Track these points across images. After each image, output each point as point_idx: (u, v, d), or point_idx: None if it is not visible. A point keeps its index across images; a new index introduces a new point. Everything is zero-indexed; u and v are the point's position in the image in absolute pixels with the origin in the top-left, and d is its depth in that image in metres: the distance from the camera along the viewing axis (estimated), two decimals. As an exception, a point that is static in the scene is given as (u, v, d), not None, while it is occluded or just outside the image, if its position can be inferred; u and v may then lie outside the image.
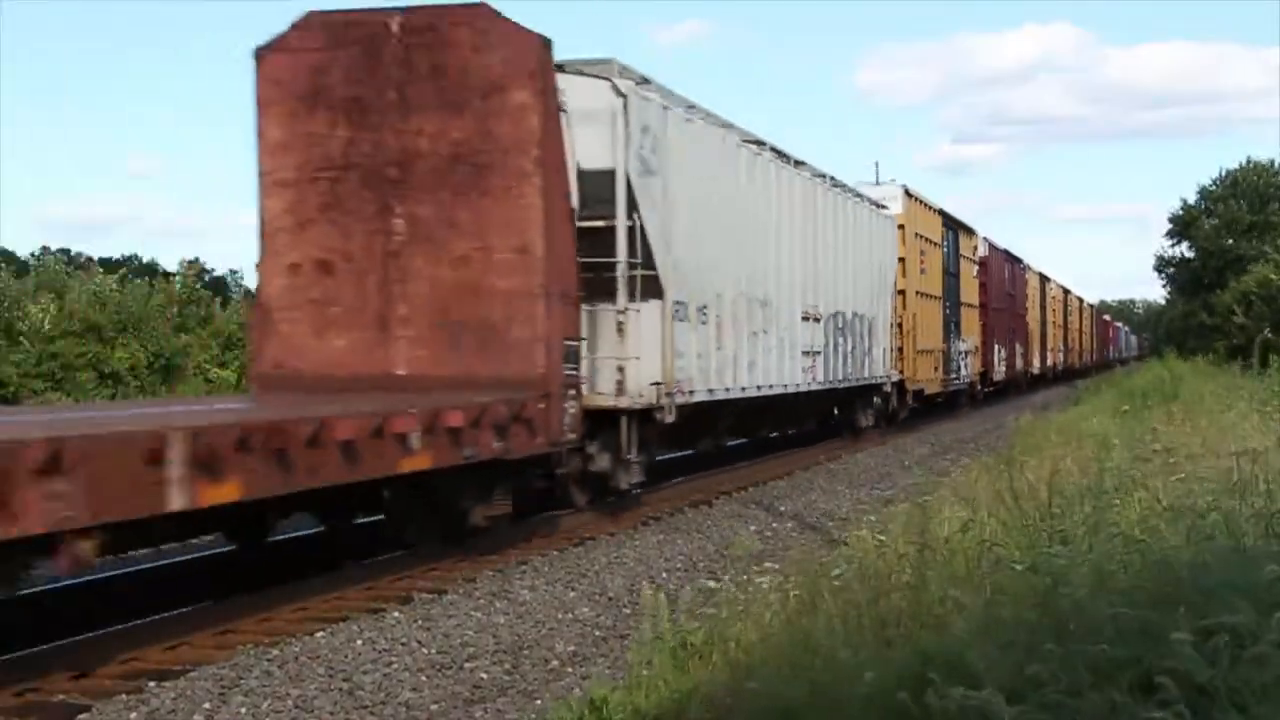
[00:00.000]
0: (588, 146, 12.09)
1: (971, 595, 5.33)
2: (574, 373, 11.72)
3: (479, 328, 11.24)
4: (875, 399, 24.24)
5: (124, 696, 6.79)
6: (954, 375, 31.29)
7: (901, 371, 25.60)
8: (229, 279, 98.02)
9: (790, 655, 5.18)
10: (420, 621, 8.55)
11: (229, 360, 30.58)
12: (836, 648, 4.95)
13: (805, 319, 18.53)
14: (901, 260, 25.56)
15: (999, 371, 39.14)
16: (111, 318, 27.76)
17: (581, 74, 12.24)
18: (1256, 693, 3.79)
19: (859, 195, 22.77)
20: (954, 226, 31.74)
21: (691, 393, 14.10)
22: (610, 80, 12.41)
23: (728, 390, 15.41)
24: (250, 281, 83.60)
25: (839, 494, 16.12)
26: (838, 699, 4.37)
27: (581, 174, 12.03)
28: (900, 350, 25.48)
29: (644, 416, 13.15)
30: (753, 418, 17.93)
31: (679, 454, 16.94)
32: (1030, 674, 3.92)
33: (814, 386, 19.18)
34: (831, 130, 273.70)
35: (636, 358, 12.75)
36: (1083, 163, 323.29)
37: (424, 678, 7.39)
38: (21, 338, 25.79)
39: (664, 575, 10.54)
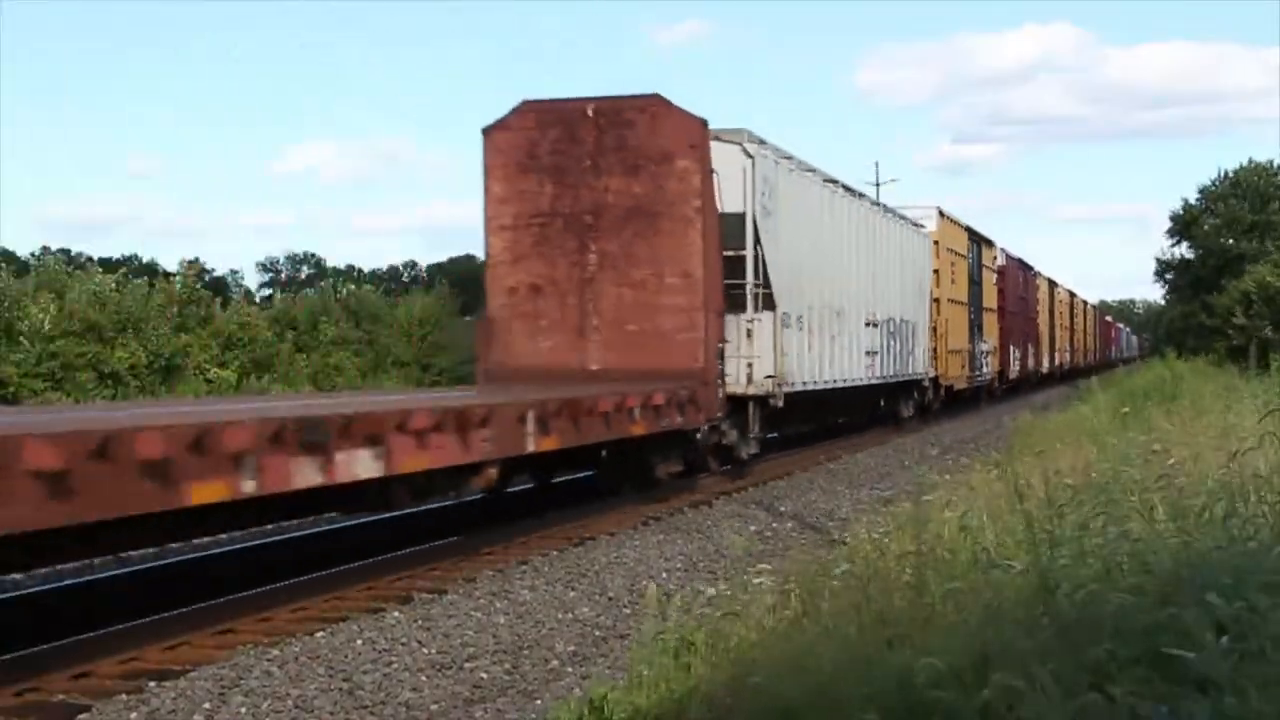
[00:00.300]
0: (725, 195, 15.95)
1: (971, 596, 5.32)
2: (721, 367, 15.61)
3: (654, 334, 15.12)
4: (915, 393, 28.17)
5: (124, 696, 6.90)
6: (977, 373, 35.16)
7: (935, 369, 29.50)
8: (229, 279, 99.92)
9: (790, 655, 5.14)
10: (420, 621, 8.72)
11: (229, 360, 30.90)
12: (836, 648, 4.94)
13: (867, 325, 22.41)
14: (936, 272, 29.48)
15: (1014, 370, 42.97)
16: (111, 318, 27.71)
17: (719, 140, 16.05)
18: (1259, 687, 3.80)
19: (902, 217, 26.68)
20: (977, 240, 35.63)
21: (793, 384, 17.95)
22: (741, 145, 16.28)
23: (815, 383, 19.28)
24: (250, 282, 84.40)
25: (839, 494, 16.29)
26: (838, 699, 4.35)
27: (721, 216, 15.90)
28: (934, 350, 29.35)
29: (762, 402, 17.01)
30: (828, 406, 21.81)
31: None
32: (1030, 675, 3.91)
33: (873, 381, 23.08)
34: (831, 130, 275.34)
35: (759, 356, 16.61)
36: (1083, 163, 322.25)
37: (424, 678, 7.47)
38: (21, 338, 25.80)
39: (664, 575, 10.73)
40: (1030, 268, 48.04)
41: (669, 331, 15.09)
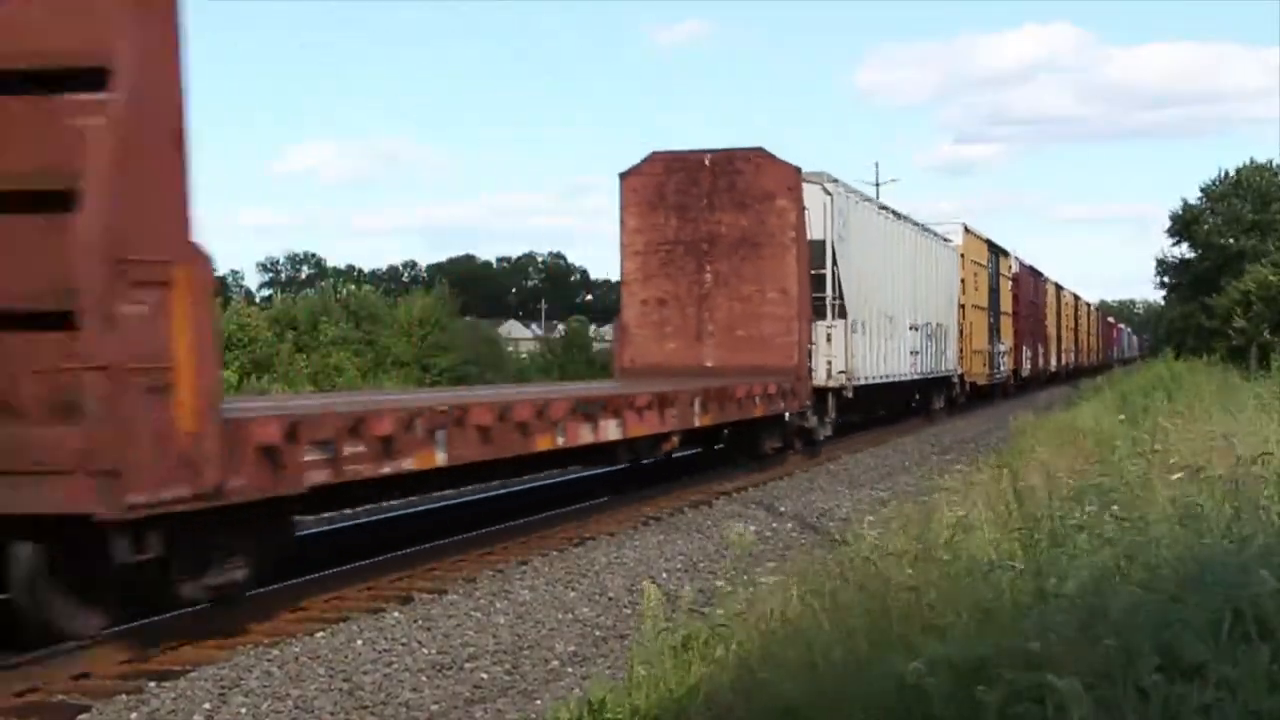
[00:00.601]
0: (811, 225, 19.79)
1: (970, 595, 5.32)
2: (809, 364, 19.46)
3: (758, 337, 18.95)
4: (945, 388, 32.07)
5: (124, 697, 6.92)
6: (996, 371, 39.04)
7: (962, 367, 33.36)
8: (229, 279, 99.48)
9: (792, 655, 5.17)
10: (420, 622, 8.74)
11: (229, 360, 31.24)
12: (837, 648, 4.95)
13: (911, 329, 26.29)
14: (962, 281, 33.35)
15: (1026, 369, 46.85)
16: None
17: (806, 181, 19.89)
18: (1263, 686, 3.79)
19: (935, 234, 30.56)
20: (996, 251, 39.52)
21: (859, 379, 21.80)
22: (822, 185, 20.15)
23: (874, 378, 23.16)
24: (250, 282, 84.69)
25: (839, 494, 16.48)
26: (839, 699, 4.38)
27: (808, 243, 19.76)
28: (961, 351, 33.21)
29: (836, 393, 20.86)
30: (880, 398, 25.70)
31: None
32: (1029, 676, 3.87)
33: (915, 377, 26.96)
34: (831, 130, 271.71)
35: (835, 355, 20.47)
36: (1083, 163, 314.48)
37: (424, 678, 7.50)
38: None
39: (664, 575, 10.75)
40: (1040, 274, 51.92)
41: (769, 336, 18.93)
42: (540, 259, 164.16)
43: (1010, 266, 42.90)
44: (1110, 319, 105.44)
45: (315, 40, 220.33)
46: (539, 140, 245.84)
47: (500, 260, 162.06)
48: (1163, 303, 69.74)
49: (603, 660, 7.92)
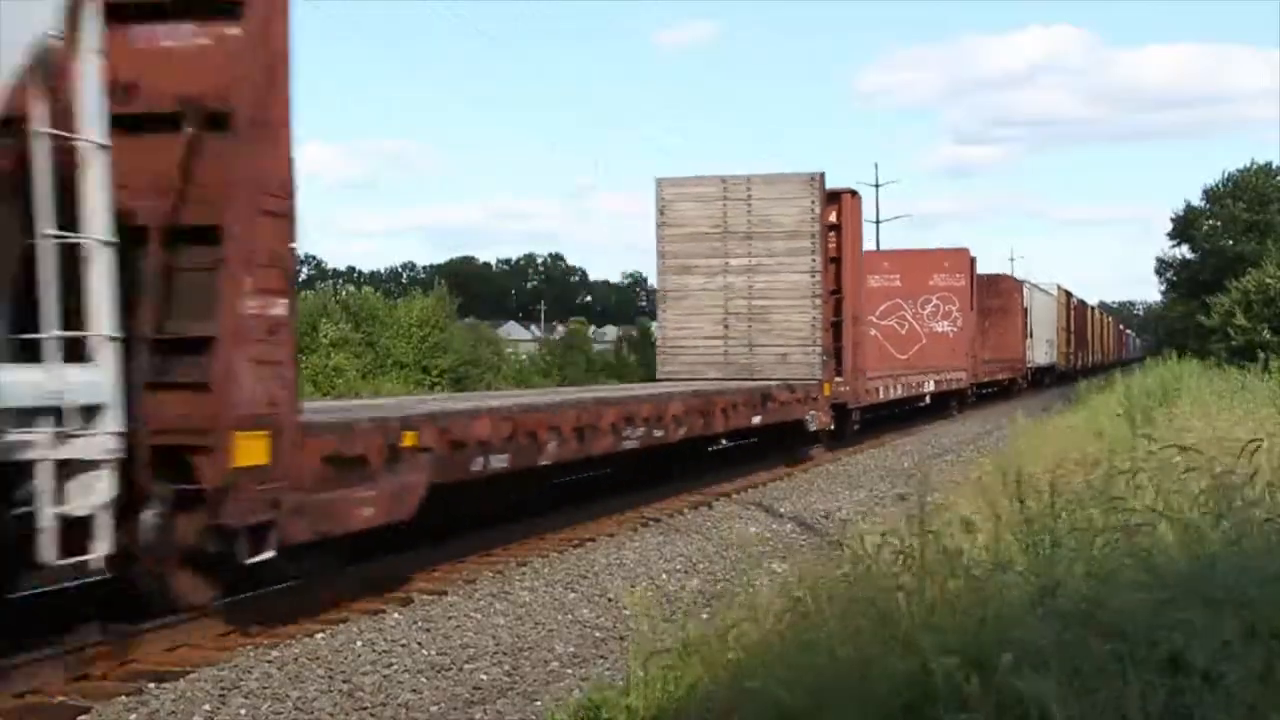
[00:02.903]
0: (1023, 300, 48.38)
1: (971, 597, 5.35)
2: (1025, 358, 48.08)
3: (1004, 345, 47.60)
4: (1050, 371, 60.59)
5: (124, 698, 6.97)
6: (1068, 364, 67.26)
7: (1056, 361, 61.69)
8: None
9: (790, 656, 5.23)
10: (420, 623, 8.79)
11: None
12: (836, 648, 5.00)
13: (1046, 341, 54.92)
14: (1057, 315, 61.70)
15: (1077, 364, 74.88)
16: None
17: (1011, 279, 48.46)
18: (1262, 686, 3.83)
19: (1049, 291, 59.01)
20: (1068, 294, 67.82)
21: (1035, 364, 50.52)
22: (1027, 284, 49.15)
23: (1039, 363, 51.88)
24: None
25: (839, 494, 16.50)
26: (836, 699, 4.45)
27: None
28: (1056, 352, 61.58)
29: (1030, 368, 49.46)
30: (1038, 373, 54.11)
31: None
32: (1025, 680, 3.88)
33: (1045, 364, 55.70)
34: (832, 131, 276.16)
35: (1029, 353, 49.27)
36: (1084, 164, 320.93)
37: (424, 679, 7.57)
38: None
39: (664, 576, 10.78)
40: (1086, 302, 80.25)
41: (1010, 345, 47.51)
42: (540, 260, 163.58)
43: (1074, 302, 71.37)
44: (1121, 326, 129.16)
45: (315, 40, 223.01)
46: (539, 142, 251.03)
47: (500, 262, 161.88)
48: (1163, 304, 70.73)
49: (602, 661, 7.94)
